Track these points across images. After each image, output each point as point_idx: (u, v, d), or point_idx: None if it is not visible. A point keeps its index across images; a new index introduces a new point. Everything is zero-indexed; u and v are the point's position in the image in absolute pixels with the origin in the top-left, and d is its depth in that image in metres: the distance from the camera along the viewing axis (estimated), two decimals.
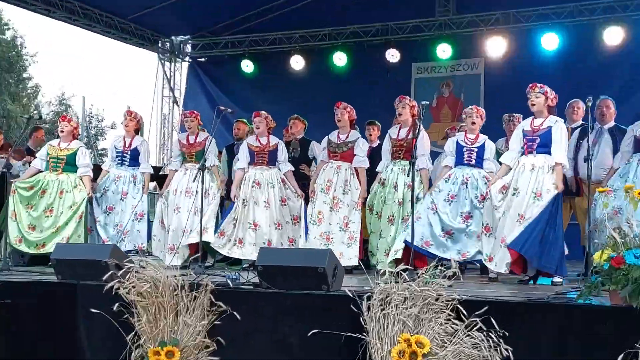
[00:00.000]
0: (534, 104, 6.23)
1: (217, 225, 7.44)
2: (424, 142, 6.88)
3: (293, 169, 7.62)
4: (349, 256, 6.99)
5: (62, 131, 7.71)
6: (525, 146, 6.23)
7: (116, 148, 7.86)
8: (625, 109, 8.53)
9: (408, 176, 6.32)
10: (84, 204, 7.47)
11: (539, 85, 6.24)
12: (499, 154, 7.32)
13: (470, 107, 6.92)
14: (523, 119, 6.76)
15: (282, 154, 7.56)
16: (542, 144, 6.14)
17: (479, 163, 6.72)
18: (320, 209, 7.16)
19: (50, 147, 7.71)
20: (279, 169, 7.53)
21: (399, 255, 6.36)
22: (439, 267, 4.49)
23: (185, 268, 6.50)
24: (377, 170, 7.11)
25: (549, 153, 6.11)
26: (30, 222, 7.43)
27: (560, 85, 6.39)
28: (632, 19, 10.08)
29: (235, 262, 7.59)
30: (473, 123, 6.79)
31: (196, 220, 7.09)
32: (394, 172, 6.91)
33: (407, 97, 7.09)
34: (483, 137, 6.82)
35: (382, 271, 4.53)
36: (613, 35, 10.08)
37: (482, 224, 6.31)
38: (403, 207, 6.75)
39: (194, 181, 7.10)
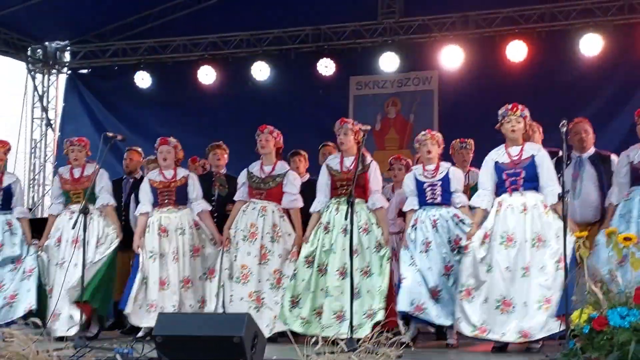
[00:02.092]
0: (514, 130, 6.37)
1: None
2: (377, 176, 6.96)
3: (210, 208, 7.60)
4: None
5: None
6: (507, 182, 6.34)
7: None
8: (607, 131, 8.86)
9: (346, 219, 6.31)
10: None
11: (520, 107, 6.39)
12: None
13: (422, 133, 7.04)
14: (483, 144, 6.93)
15: (194, 190, 7.54)
16: (528, 177, 6.28)
17: (446, 199, 6.84)
18: (245, 262, 7.15)
19: None
20: (191, 209, 7.50)
21: (381, 317, 6.35)
22: (385, 332, 4.55)
23: (62, 340, 6.39)
24: (311, 211, 7.12)
25: (537, 189, 6.25)
26: None
27: (528, 104, 6.57)
28: (613, 24, 10.43)
29: (131, 331, 7.50)
30: (429, 152, 6.92)
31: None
32: (340, 213, 6.87)
33: (349, 120, 7.15)
34: (445, 166, 6.94)
35: (313, 340, 4.55)
36: (591, 44, 10.37)
37: (461, 286, 6.32)
38: (362, 256, 6.73)
39: (73, 227, 6.97)
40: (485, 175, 6.50)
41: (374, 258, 6.68)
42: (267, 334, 6.65)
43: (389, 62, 11.40)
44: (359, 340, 4.60)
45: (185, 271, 7.33)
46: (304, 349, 4.60)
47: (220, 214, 7.91)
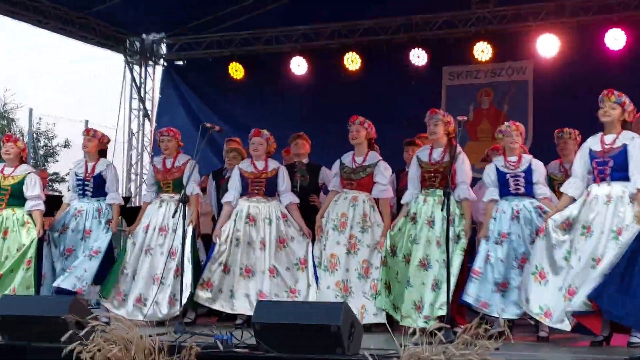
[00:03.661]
0: (608, 116, 6.22)
1: (199, 272, 7.47)
2: (464, 167, 6.92)
3: (298, 201, 7.66)
4: (374, 311, 7.01)
5: (7, 154, 7.75)
6: (596, 171, 6.23)
7: (76, 175, 7.90)
8: None
9: (442, 210, 6.36)
10: (34, 247, 7.51)
11: (616, 93, 6.23)
12: (550, 179, 7.37)
13: (506, 124, 6.98)
14: (583, 136, 6.81)
15: (284, 183, 7.60)
16: (616, 167, 6.14)
17: (529, 191, 6.76)
18: (334, 251, 7.20)
19: None
20: (280, 201, 7.58)
21: (444, 311, 6.34)
22: (483, 325, 4.52)
23: (163, 325, 6.53)
24: (402, 202, 7.15)
25: (627, 179, 6.10)
26: None
27: (631, 95, 6.41)
28: None
29: (227, 318, 7.61)
30: (512, 143, 6.86)
31: (172, 265, 7.18)
32: (427, 205, 6.92)
33: (440, 110, 7.14)
34: (527, 158, 6.87)
35: (411, 330, 4.56)
36: None
37: (535, 268, 6.32)
38: (443, 248, 6.68)
39: (173, 216, 7.15)
40: (578, 163, 6.39)
41: (452, 249, 6.64)
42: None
43: (482, 52, 11.29)
44: (455, 332, 4.59)
45: (272, 260, 7.39)
46: (401, 338, 4.61)
47: (302, 204, 7.96)
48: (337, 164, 7.54)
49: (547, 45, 10.89)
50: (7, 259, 7.48)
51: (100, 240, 7.66)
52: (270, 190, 7.57)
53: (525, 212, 6.67)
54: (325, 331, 4.90)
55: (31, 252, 7.50)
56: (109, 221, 7.75)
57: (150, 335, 5.00)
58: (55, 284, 7.41)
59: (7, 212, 7.61)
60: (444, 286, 6.34)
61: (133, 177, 13.59)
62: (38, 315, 5.60)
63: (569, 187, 6.38)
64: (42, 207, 7.74)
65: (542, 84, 11.11)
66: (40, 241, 7.61)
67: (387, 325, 5.28)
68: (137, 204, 12.49)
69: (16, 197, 7.66)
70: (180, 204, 6.82)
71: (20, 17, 11.76)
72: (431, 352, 4.40)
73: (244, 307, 7.25)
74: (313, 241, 7.47)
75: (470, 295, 6.55)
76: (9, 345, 5.66)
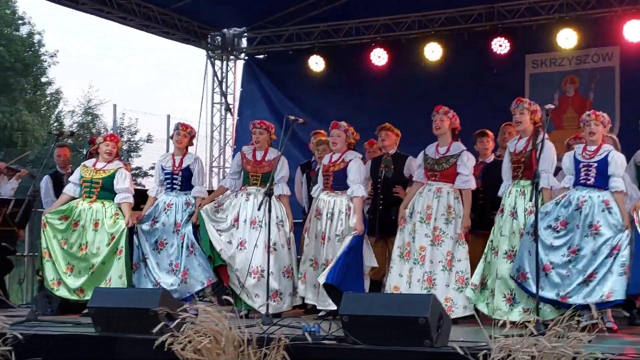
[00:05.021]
0: None
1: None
2: (548, 155, 6.79)
3: (364, 194, 7.60)
4: (464, 303, 6.99)
5: (108, 153, 7.93)
6: None
7: (164, 169, 8.00)
8: None
9: (531, 200, 6.26)
10: (124, 236, 7.65)
11: None
12: (638, 168, 7.20)
13: (587, 113, 6.84)
14: None
15: (352, 174, 7.49)
16: None
17: (600, 182, 6.60)
18: (422, 243, 7.17)
19: (84, 169, 7.93)
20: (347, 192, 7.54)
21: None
22: (576, 317, 4.45)
23: (247, 317, 6.60)
24: (499, 194, 7.07)
25: None
26: (68, 261, 7.66)
27: None
28: None
29: (314, 310, 7.69)
30: (592, 133, 6.72)
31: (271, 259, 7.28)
32: (511, 196, 6.87)
33: (526, 99, 7.04)
34: (607, 149, 6.70)
35: (501, 322, 4.51)
36: None
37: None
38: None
39: (259, 209, 7.21)
40: None
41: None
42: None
43: (566, 38, 11.06)
44: (546, 324, 4.53)
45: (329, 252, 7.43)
46: (490, 330, 4.58)
47: (387, 195, 7.94)
48: (420, 156, 7.50)
49: (634, 31, 10.61)
50: (99, 249, 7.63)
51: (188, 234, 7.74)
52: (337, 183, 7.55)
53: (590, 203, 6.51)
54: (413, 323, 4.90)
55: (122, 242, 7.62)
56: (191, 215, 7.83)
57: (239, 327, 5.05)
58: (178, 295, 7.48)
59: (98, 205, 7.77)
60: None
61: (215, 170, 13.75)
62: (130, 308, 5.73)
63: None
64: (131, 199, 7.89)
65: (630, 70, 10.83)
66: (130, 231, 7.73)
67: (476, 317, 5.22)
68: None
69: (107, 190, 7.81)
70: (266, 196, 6.88)
71: (106, 15, 12.03)
72: (522, 345, 4.35)
73: (311, 299, 7.47)
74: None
75: (550, 291, 6.43)
76: (103, 336, 5.80)
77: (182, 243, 7.71)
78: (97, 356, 5.73)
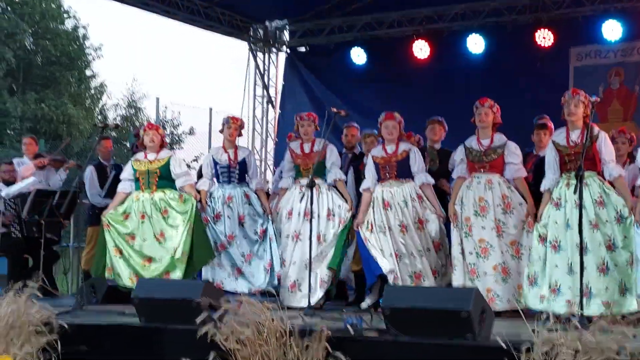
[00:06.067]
0: None
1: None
2: (607, 145, 6.68)
3: (433, 182, 7.56)
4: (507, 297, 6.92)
5: (152, 141, 7.96)
6: None
7: (219, 162, 8.06)
8: None
9: (594, 191, 6.23)
10: (194, 210, 7.65)
11: None
12: None
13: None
14: None
15: (416, 163, 7.49)
16: None
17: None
18: (482, 236, 7.09)
19: (136, 163, 7.94)
20: (415, 182, 7.51)
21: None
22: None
23: (290, 309, 6.61)
24: (542, 189, 6.94)
25: None
26: (145, 254, 7.67)
27: None
28: None
29: (356, 301, 7.73)
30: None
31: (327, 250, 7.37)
32: (571, 188, 6.53)
33: (581, 91, 6.91)
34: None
35: (544, 316, 4.48)
36: None
37: None
38: (602, 230, 6.45)
39: (300, 201, 7.24)
40: None
41: (616, 230, 6.43)
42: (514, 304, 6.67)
43: (611, 30, 10.96)
44: (590, 319, 4.48)
45: (416, 242, 7.37)
46: (534, 324, 4.54)
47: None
48: (461, 150, 7.37)
49: None
50: (175, 232, 7.63)
51: (270, 228, 7.88)
52: (402, 172, 7.48)
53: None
54: (455, 316, 4.88)
55: (192, 219, 7.62)
56: (265, 211, 7.93)
57: (281, 319, 5.08)
58: (254, 289, 7.63)
59: (160, 194, 7.79)
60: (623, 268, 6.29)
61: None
62: (173, 298, 5.78)
63: None
64: (193, 180, 8.03)
65: None
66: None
67: (520, 311, 5.16)
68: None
69: (165, 178, 7.85)
70: (308, 188, 6.91)
71: (150, 9, 12.15)
72: (566, 339, 4.31)
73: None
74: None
75: None
76: (147, 326, 5.87)
77: (265, 235, 7.85)
78: (140, 346, 5.79)
